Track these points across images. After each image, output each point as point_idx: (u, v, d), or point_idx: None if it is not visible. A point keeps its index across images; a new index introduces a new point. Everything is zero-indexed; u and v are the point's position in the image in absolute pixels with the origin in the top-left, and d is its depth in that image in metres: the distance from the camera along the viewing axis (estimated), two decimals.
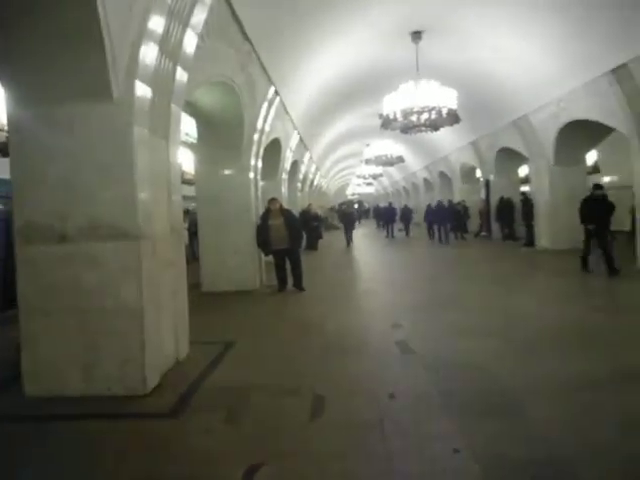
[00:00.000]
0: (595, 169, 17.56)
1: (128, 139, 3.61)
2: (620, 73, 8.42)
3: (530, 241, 13.59)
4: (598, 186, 8.74)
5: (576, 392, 3.38)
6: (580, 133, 11.11)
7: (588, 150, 13.04)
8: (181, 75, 4.37)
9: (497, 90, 12.10)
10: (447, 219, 17.18)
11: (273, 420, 3.15)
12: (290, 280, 8.14)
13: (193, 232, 11.70)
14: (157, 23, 3.77)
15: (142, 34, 3.58)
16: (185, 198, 5.36)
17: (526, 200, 14.23)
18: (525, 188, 16.46)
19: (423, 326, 5.55)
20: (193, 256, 11.71)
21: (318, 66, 9.99)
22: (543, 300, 6.84)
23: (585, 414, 3.05)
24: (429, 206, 18.81)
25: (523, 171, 17.42)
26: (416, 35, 9.47)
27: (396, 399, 3.39)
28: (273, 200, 8.07)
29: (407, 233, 21.29)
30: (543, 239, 12.82)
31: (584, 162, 12.95)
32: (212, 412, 3.30)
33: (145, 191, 3.78)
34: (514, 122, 13.21)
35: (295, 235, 7.97)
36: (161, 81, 4.01)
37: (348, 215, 19.04)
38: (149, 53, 3.74)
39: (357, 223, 22.86)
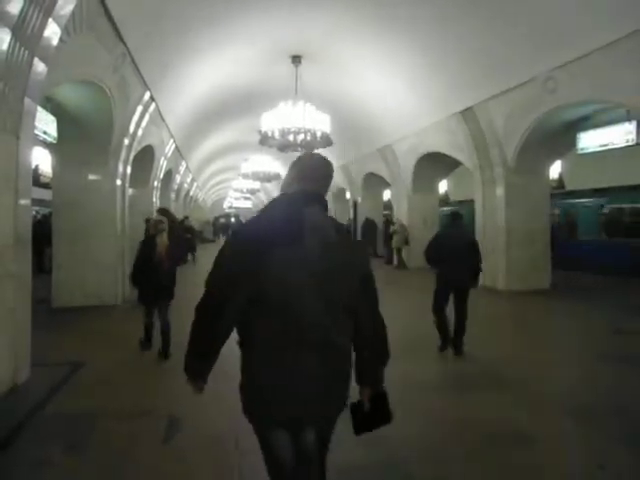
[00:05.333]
0: (446, 197, 20.00)
1: None
2: (467, 114, 9.75)
3: (390, 259, 14.76)
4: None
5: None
6: (434, 164, 12.55)
7: (440, 180, 14.74)
8: (39, 68, 4.00)
9: (367, 119, 13.09)
10: None
11: (122, 446, 2.97)
12: None
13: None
14: (12, 5, 3.41)
15: None
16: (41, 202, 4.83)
17: (387, 222, 15.45)
18: (387, 211, 17.99)
19: None
20: (40, 267, 10.57)
21: (199, 76, 9.79)
22: (399, 312, 7.53)
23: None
24: None
25: (387, 195, 19.01)
26: (296, 59, 9.86)
27: None
28: (159, 222, 4.93)
29: None
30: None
31: (437, 190, 14.61)
32: (51, 442, 3.02)
33: None
34: (380, 150, 14.38)
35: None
36: (13, 71, 3.64)
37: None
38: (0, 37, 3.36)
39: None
